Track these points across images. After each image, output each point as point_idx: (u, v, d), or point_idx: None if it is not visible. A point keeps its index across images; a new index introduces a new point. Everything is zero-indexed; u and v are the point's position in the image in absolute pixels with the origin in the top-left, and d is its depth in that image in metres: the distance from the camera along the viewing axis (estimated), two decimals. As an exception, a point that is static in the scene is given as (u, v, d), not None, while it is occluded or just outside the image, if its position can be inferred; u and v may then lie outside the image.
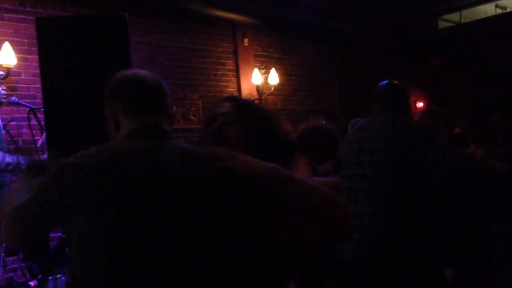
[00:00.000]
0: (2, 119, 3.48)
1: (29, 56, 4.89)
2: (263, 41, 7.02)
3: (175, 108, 6.07)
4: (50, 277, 3.03)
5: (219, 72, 6.58)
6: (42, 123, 3.64)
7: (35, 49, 4.88)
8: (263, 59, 6.93)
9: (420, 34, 8.28)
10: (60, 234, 3.92)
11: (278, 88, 6.82)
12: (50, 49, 2.16)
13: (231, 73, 6.69)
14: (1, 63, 4.50)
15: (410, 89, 9.04)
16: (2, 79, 3.23)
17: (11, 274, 4.52)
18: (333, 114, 7.47)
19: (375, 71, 7.94)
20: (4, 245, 4.30)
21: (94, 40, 2.20)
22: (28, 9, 4.95)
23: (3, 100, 3.25)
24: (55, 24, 2.19)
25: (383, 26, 7.80)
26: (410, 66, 8.93)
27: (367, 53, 8.09)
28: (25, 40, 4.89)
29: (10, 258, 4.51)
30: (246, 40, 6.67)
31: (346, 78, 7.83)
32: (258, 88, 6.56)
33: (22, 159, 3.07)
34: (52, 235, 4.35)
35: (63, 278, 3.03)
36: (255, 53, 6.89)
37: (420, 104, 8.92)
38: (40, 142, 3.17)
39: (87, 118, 2.16)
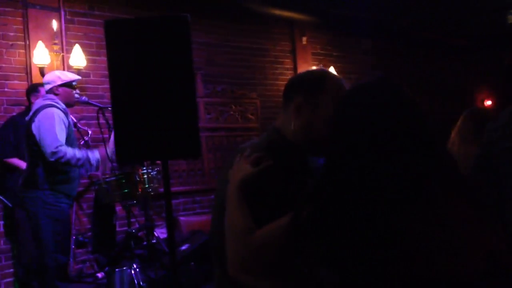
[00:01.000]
0: (73, 118, 3.68)
1: (97, 58, 5.13)
2: (321, 39, 6.95)
3: (233, 107, 6.15)
4: (116, 269, 3.16)
5: (277, 71, 6.59)
6: (110, 121, 3.82)
7: (102, 51, 5.15)
8: (321, 57, 6.87)
9: (488, 29, 7.87)
10: (126, 228, 4.09)
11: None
12: (118, 50, 2.24)
13: (289, 72, 6.68)
14: (72, 64, 4.76)
15: (477, 86, 8.66)
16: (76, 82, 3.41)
17: (80, 265, 4.77)
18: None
19: (437, 68, 7.64)
20: (73, 237, 4.55)
21: (158, 40, 2.26)
22: (96, 12, 5.19)
23: (76, 100, 3.44)
24: (122, 26, 2.27)
25: (447, 21, 7.48)
26: (477, 63, 8.52)
27: (429, 49, 7.81)
28: (94, 43, 5.13)
29: (80, 250, 4.76)
30: (304, 39, 6.64)
31: (408, 76, 7.59)
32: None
33: (91, 155, 3.23)
34: (118, 229, 4.55)
35: (128, 270, 3.16)
36: (313, 51, 6.84)
37: (488, 102, 8.49)
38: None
39: (152, 115, 2.23)
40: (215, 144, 5.94)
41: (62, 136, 3.12)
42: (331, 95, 1.33)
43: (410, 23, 7.06)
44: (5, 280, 4.42)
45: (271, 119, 6.41)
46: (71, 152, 3.12)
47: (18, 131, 4.16)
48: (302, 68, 6.65)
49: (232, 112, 6.13)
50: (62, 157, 3.07)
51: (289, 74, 6.67)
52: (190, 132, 2.26)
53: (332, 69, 6.58)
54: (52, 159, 3.06)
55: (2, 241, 4.42)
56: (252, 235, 1.13)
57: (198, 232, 4.33)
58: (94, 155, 3.22)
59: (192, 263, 3.34)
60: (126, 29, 2.26)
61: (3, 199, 3.27)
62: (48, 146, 3.06)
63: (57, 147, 3.06)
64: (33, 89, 4.32)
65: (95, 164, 3.24)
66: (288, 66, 6.69)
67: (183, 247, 3.89)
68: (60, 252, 3.18)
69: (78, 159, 3.13)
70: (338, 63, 6.92)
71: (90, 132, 4.49)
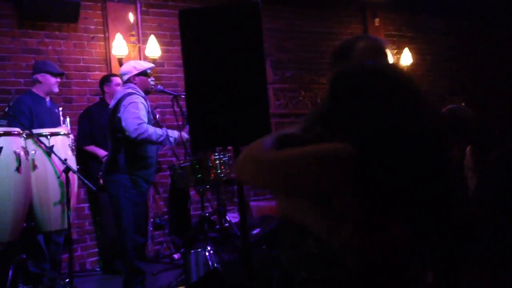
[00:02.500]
0: (150, 106, 3.83)
1: (171, 48, 5.30)
2: (395, 20, 6.69)
3: (302, 93, 6.11)
4: (192, 251, 3.28)
5: (348, 55, 6.45)
6: (184, 109, 3.95)
7: (176, 41, 5.31)
8: (395, 39, 6.62)
9: None
10: (200, 212, 4.23)
11: (411, 68, 6.47)
12: (191, 39, 2.30)
13: (360, 55, 6.51)
14: (148, 55, 4.96)
15: None
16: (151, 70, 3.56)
17: (157, 247, 5.01)
18: (470, 95, 6.88)
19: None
20: (151, 220, 4.78)
21: (230, 28, 2.29)
22: (170, 3, 5.35)
23: (152, 87, 3.59)
24: (196, 16, 2.33)
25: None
26: None
27: (509, 30, 7.27)
28: (168, 33, 5.30)
29: (157, 232, 4.99)
30: (376, 20, 6.43)
31: (486, 57, 7.13)
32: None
33: (170, 132, 3.37)
34: (192, 213, 4.72)
35: (203, 252, 3.27)
36: (386, 32, 6.60)
37: None
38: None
39: (224, 102, 2.28)
40: (285, 130, 5.94)
41: (143, 116, 3.28)
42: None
43: (490, 1, 6.61)
44: (90, 259, 4.75)
45: (341, 104, 6.31)
46: (152, 129, 3.27)
47: (93, 121, 4.42)
48: (374, 51, 6.46)
49: (301, 98, 6.10)
50: (144, 133, 3.22)
51: (359, 58, 6.51)
52: (261, 118, 2.29)
53: (406, 51, 6.33)
54: (134, 135, 3.21)
55: (87, 222, 4.74)
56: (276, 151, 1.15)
57: (268, 217, 4.38)
58: (174, 133, 3.38)
59: (264, 246, 3.39)
60: (199, 18, 2.32)
61: (88, 182, 3.49)
62: (131, 124, 3.22)
63: (139, 124, 3.22)
64: (106, 80, 4.56)
65: (173, 142, 3.39)
66: (359, 50, 6.52)
67: (255, 231, 3.95)
68: (138, 233, 3.36)
69: (159, 136, 3.28)
70: (413, 44, 6.64)
71: (157, 115, 4.66)
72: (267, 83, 2.36)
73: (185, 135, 3.37)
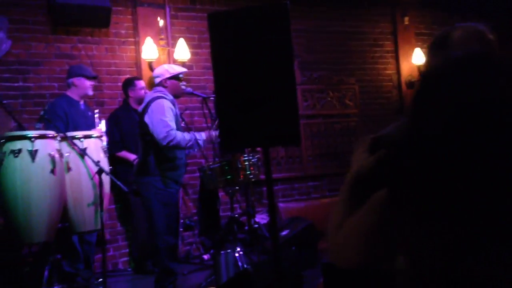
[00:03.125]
0: (179, 109, 3.88)
1: (199, 50, 5.35)
2: (426, 17, 6.57)
3: (331, 94, 6.07)
4: (221, 252, 3.31)
5: (377, 54, 6.37)
6: (213, 111, 3.98)
7: (204, 43, 5.36)
8: (425, 37, 6.50)
9: None
10: (229, 213, 4.25)
11: (442, 68, 6.34)
12: (220, 41, 2.32)
13: (390, 54, 6.43)
14: (177, 58, 5.02)
15: None
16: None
17: (187, 247, 5.06)
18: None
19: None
20: (181, 221, 4.83)
21: (258, 30, 2.30)
22: (197, 6, 5.40)
23: (182, 91, 3.63)
24: (225, 18, 2.35)
25: None
26: None
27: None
28: (196, 36, 5.36)
29: (187, 233, 5.04)
30: (406, 19, 6.33)
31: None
32: (419, 69, 6.19)
33: (198, 136, 3.40)
34: (221, 214, 4.74)
35: (232, 253, 3.29)
36: (417, 31, 6.50)
37: None
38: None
39: (253, 104, 2.28)
40: (313, 131, 5.92)
41: (171, 122, 3.33)
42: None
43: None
44: (122, 259, 4.84)
45: (371, 104, 6.24)
46: (180, 135, 3.31)
47: (122, 124, 4.48)
48: (403, 50, 6.36)
49: (329, 99, 6.06)
50: (172, 140, 3.27)
51: (389, 57, 6.42)
52: (290, 119, 2.29)
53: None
54: (164, 143, 3.27)
55: (118, 224, 4.83)
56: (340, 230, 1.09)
57: (297, 218, 4.37)
58: (201, 136, 3.40)
59: (293, 247, 3.39)
60: (227, 20, 2.34)
61: (120, 184, 3.56)
62: (160, 131, 3.28)
63: (167, 132, 3.27)
64: (130, 84, 4.63)
65: (202, 144, 3.42)
66: (388, 49, 6.43)
67: (283, 233, 3.95)
68: (170, 234, 3.40)
69: (188, 141, 3.32)
70: (443, 43, 6.51)
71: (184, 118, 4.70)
72: (296, 84, 2.36)
73: (213, 133, 3.41)
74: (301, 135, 5.44)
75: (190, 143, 3.34)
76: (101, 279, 3.38)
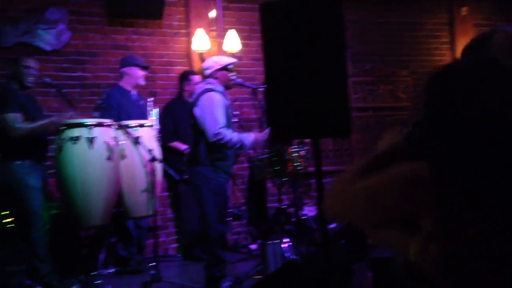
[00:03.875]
0: (228, 100, 3.91)
1: (249, 42, 5.37)
2: (485, 8, 6.28)
3: (382, 86, 5.94)
4: (269, 242, 3.33)
5: (432, 46, 6.17)
6: (262, 102, 4.00)
7: (254, 35, 5.37)
8: (484, 28, 6.22)
9: None
10: (277, 204, 4.27)
11: (502, 59, 6.06)
12: (272, 32, 2.32)
13: (446, 45, 6.20)
14: (227, 49, 5.06)
15: None
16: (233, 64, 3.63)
17: (235, 236, 5.13)
18: None
19: None
20: (229, 210, 4.90)
21: (310, 20, 2.28)
22: (248, -3, 5.42)
23: (232, 82, 3.65)
24: (276, 9, 2.34)
25: None
26: None
27: None
28: (246, 27, 5.38)
29: (235, 222, 5.11)
30: (464, 9, 6.08)
31: None
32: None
33: (245, 139, 3.41)
34: (269, 205, 4.77)
35: (280, 244, 3.31)
36: (475, 22, 6.22)
37: None
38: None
39: (304, 95, 2.28)
40: (363, 124, 5.83)
41: (221, 118, 3.36)
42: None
43: None
44: (172, 245, 4.98)
45: (424, 97, 6.05)
46: (229, 135, 3.34)
47: (176, 116, 4.58)
48: (460, 42, 6.11)
49: (381, 91, 5.94)
50: (222, 139, 3.32)
51: (445, 49, 6.19)
52: (341, 111, 2.26)
53: (496, 41, 5.93)
54: (213, 140, 3.32)
55: (168, 211, 4.97)
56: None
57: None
58: (249, 138, 3.41)
59: (342, 240, 3.37)
60: (279, 10, 2.33)
61: (172, 172, 3.67)
62: (210, 128, 3.33)
63: (218, 130, 3.31)
64: (185, 78, 4.72)
65: (249, 147, 3.44)
66: (444, 40, 6.21)
67: (331, 225, 3.93)
68: (220, 222, 3.46)
69: (235, 143, 3.36)
70: (504, 34, 6.21)
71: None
72: (348, 76, 2.33)
73: (260, 137, 3.42)
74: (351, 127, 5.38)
75: (237, 145, 3.38)
76: (152, 264, 3.49)
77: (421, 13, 6.10)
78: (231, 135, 3.36)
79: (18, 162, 3.47)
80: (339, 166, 5.69)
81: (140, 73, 4.28)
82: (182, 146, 4.51)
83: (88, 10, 4.79)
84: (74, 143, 3.27)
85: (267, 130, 3.42)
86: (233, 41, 5.05)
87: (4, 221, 3.72)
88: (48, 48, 4.58)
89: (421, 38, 6.11)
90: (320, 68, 2.27)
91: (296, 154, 3.77)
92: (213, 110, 3.35)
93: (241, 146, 3.40)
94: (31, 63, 3.65)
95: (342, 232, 3.66)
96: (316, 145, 2.40)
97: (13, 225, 3.70)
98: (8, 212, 3.73)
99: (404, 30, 6.02)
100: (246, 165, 4.85)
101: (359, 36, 5.77)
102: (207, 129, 3.34)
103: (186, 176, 3.60)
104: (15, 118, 3.44)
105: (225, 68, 3.57)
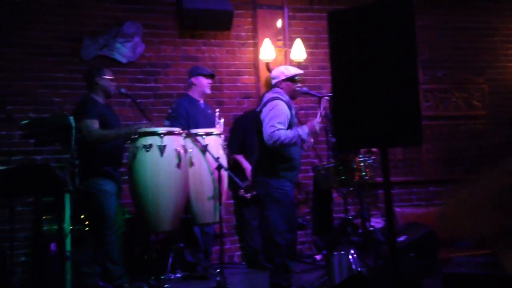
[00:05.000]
0: (294, 110, 3.92)
1: (315, 51, 5.36)
2: None
3: (456, 94, 5.69)
4: (335, 253, 3.28)
5: (509, 52, 5.83)
6: (328, 111, 3.96)
7: (320, 43, 5.36)
8: None
9: None
10: (343, 215, 4.20)
11: None
12: (340, 40, 2.30)
13: (525, 51, 5.85)
14: (293, 58, 5.08)
15: None
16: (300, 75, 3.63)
17: (300, 246, 5.09)
18: None
19: None
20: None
21: (380, 27, 2.24)
22: (315, 7, 5.42)
23: (297, 93, 3.65)
24: (344, 16, 2.32)
25: None
26: None
27: None
28: (312, 36, 5.38)
29: (300, 232, 5.06)
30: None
31: None
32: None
33: (300, 131, 3.38)
34: (335, 215, 4.70)
35: (346, 255, 3.24)
36: (556, 26, 5.83)
37: None
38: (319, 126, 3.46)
39: (372, 103, 2.23)
40: (434, 133, 5.61)
41: (280, 123, 3.36)
42: None
43: None
44: (237, 253, 5.03)
45: (502, 106, 5.73)
46: (283, 135, 3.33)
47: (247, 129, 4.63)
48: (542, 46, 5.75)
49: (454, 99, 5.69)
50: (277, 140, 3.31)
51: (525, 54, 5.84)
52: (411, 119, 2.19)
53: None
54: (269, 143, 3.32)
55: (234, 218, 5.03)
56: None
57: (415, 224, 4.17)
58: (303, 130, 3.38)
59: (412, 254, 3.25)
60: (347, 18, 2.31)
61: (237, 180, 3.72)
62: (265, 132, 3.35)
63: (272, 132, 3.31)
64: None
65: (306, 138, 3.39)
66: (522, 46, 5.86)
67: (401, 238, 3.80)
68: (289, 231, 3.44)
69: (291, 139, 3.33)
70: None
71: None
72: (419, 83, 2.26)
73: (314, 123, 3.37)
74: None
75: (294, 139, 3.34)
76: (218, 270, 3.55)
77: (497, 18, 5.80)
78: (285, 134, 3.34)
79: (95, 169, 3.67)
80: (408, 176, 5.50)
81: (205, 81, 4.40)
82: (246, 164, 4.54)
83: (161, 24, 5.01)
84: (147, 151, 3.41)
85: (318, 117, 3.40)
86: (299, 50, 5.06)
87: (81, 224, 3.94)
88: (124, 60, 4.83)
89: (498, 43, 5.80)
90: (389, 75, 2.21)
91: (363, 164, 3.69)
92: (273, 115, 3.36)
93: (298, 139, 3.36)
94: (110, 74, 3.87)
95: (411, 245, 3.54)
96: (384, 154, 2.34)
97: (88, 228, 3.91)
98: (85, 215, 3.94)
99: (479, 35, 5.74)
100: (311, 174, 4.82)
101: (431, 42, 5.57)
102: (264, 134, 3.35)
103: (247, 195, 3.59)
104: (92, 123, 3.63)
105: (290, 79, 3.58)
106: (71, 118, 2.91)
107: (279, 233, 3.39)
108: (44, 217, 3.75)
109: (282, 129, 3.34)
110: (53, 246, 3.76)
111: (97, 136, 3.64)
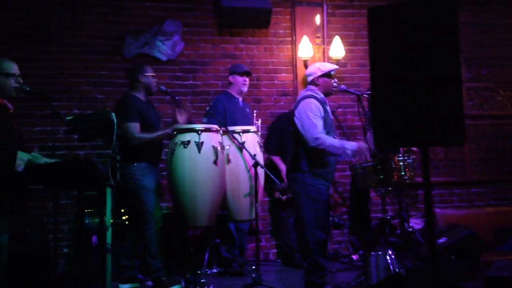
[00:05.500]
0: (331, 106, 3.89)
1: (354, 48, 5.29)
2: None
3: (501, 92, 5.50)
4: (372, 253, 3.23)
5: (559, 48, 5.58)
6: (366, 109, 3.91)
7: (359, 40, 5.29)
8: None
9: None
10: (381, 215, 4.13)
11: None
12: (380, 37, 2.26)
13: None
14: (332, 56, 5.03)
15: None
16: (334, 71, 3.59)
17: (336, 246, 5.05)
18: None
19: None
20: (330, 218, 4.83)
21: (421, 24, 2.19)
22: (355, 3, 5.35)
23: (334, 89, 3.61)
24: (385, 13, 2.27)
25: None
26: None
27: None
28: (352, 33, 5.31)
29: (336, 231, 5.04)
30: None
31: None
32: None
33: (347, 145, 3.34)
34: (372, 215, 4.63)
35: (384, 256, 3.19)
36: None
37: None
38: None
39: (412, 100, 2.18)
40: (478, 133, 5.44)
41: (320, 123, 3.34)
42: None
43: None
44: (272, 250, 5.04)
45: (550, 105, 5.50)
46: (330, 141, 3.31)
47: (285, 130, 4.61)
48: None
49: (499, 98, 5.51)
50: (321, 144, 3.29)
51: None
52: (453, 117, 2.13)
53: None
54: (313, 145, 3.31)
55: (269, 216, 5.04)
56: None
57: (457, 226, 4.06)
58: (351, 145, 3.33)
59: (452, 256, 3.16)
60: (388, 14, 2.27)
61: (273, 177, 3.73)
62: (309, 132, 3.32)
63: (318, 134, 3.29)
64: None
65: (351, 154, 3.35)
66: None
67: (441, 240, 3.71)
68: (319, 229, 3.43)
69: (336, 148, 3.30)
70: None
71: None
72: (462, 82, 2.19)
73: (364, 145, 3.32)
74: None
75: (338, 151, 3.31)
76: (254, 267, 3.56)
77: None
78: (332, 141, 3.32)
79: (135, 164, 3.76)
80: (450, 177, 5.36)
81: (241, 79, 4.43)
82: (282, 165, 4.54)
83: (200, 22, 5.07)
84: (185, 147, 3.46)
85: (370, 139, 3.33)
86: (338, 48, 5.01)
87: (121, 218, 4.05)
88: (164, 58, 4.92)
89: (547, 39, 5.56)
90: (431, 73, 2.16)
91: (403, 163, 3.62)
92: (311, 114, 3.34)
93: (342, 153, 3.33)
94: (151, 71, 3.96)
95: (452, 247, 3.44)
96: (425, 153, 2.29)
97: (128, 222, 4.01)
98: (125, 210, 4.05)
99: (526, 31, 5.52)
100: (348, 173, 4.76)
101: (475, 39, 5.40)
102: (306, 134, 3.33)
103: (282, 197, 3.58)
104: (135, 128, 3.72)
105: (327, 74, 3.55)
106: (113, 114, 2.99)
107: (310, 231, 3.38)
108: (86, 211, 3.88)
109: (324, 132, 3.31)
110: (94, 239, 3.88)
111: (140, 142, 3.71)
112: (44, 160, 2.92)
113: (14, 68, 2.92)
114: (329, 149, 3.30)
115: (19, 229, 3.51)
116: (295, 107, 3.49)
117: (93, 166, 2.90)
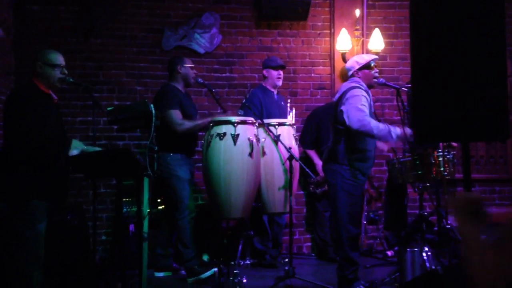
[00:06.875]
0: (371, 100, 3.82)
1: (394, 41, 5.19)
2: None
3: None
4: (408, 249, 3.17)
5: None
6: (405, 103, 3.82)
7: (400, 33, 5.17)
8: None
9: None
10: (418, 211, 4.05)
11: None
12: (422, 29, 2.20)
13: None
14: (371, 48, 4.95)
15: None
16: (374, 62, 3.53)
17: (371, 241, 4.99)
18: None
19: None
20: (365, 213, 4.79)
21: (466, 16, 2.13)
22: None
23: (375, 81, 3.55)
24: (427, 5, 2.22)
25: None
26: None
27: None
28: (392, 25, 5.20)
29: (370, 226, 4.98)
30: None
31: None
32: None
33: (392, 129, 3.26)
34: (409, 211, 4.55)
35: (420, 253, 3.13)
36: None
37: None
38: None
39: (454, 94, 2.13)
40: (523, 129, 5.24)
41: (366, 109, 3.29)
42: None
43: None
44: (306, 244, 5.04)
45: None
46: (374, 123, 3.25)
47: (321, 124, 4.58)
48: None
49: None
50: (366, 125, 3.22)
51: None
52: (497, 112, 2.07)
53: None
54: (356, 126, 3.23)
55: (304, 209, 5.02)
56: None
57: (495, 225, 3.93)
58: (396, 130, 3.27)
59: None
60: (431, 6, 2.21)
61: (308, 171, 3.72)
62: (354, 115, 3.26)
63: (362, 116, 3.23)
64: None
65: (395, 138, 3.28)
66: None
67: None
68: (352, 223, 3.40)
69: (381, 130, 3.23)
70: None
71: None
72: (507, 76, 2.13)
73: (408, 130, 3.24)
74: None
75: (382, 132, 3.23)
76: (287, 259, 3.57)
77: None
78: (377, 123, 3.26)
79: (171, 155, 3.83)
80: (491, 174, 5.19)
81: (275, 73, 4.42)
82: (317, 160, 4.50)
83: (238, 14, 5.08)
84: (221, 139, 3.49)
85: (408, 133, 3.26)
86: (377, 40, 4.92)
87: (158, 208, 4.14)
88: (201, 51, 4.97)
89: None
90: (474, 66, 2.10)
91: (442, 159, 3.53)
92: (358, 102, 3.29)
93: (387, 135, 3.25)
94: (190, 63, 4.02)
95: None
96: (466, 149, 2.23)
97: (164, 212, 4.09)
98: (161, 199, 4.13)
99: None
100: (384, 167, 4.69)
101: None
102: (351, 117, 3.26)
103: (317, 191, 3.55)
104: (177, 114, 3.81)
105: (366, 66, 3.50)
106: (152, 106, 3.04)
107: (343, 225, 3.36)
108: (124, 200, 3.98)
109: (368, 115, 3.26)
110: (131, 227, 3.98)
111: (185, 127, 3.79)
112: (95, 149, 3.03)
113: (59, 59, 3.01)
114: (374, 131, 3.21)
115: (60, 215, 3.64)
116: (340, 98, 3.43)
117: (132, 156, 2.97)
